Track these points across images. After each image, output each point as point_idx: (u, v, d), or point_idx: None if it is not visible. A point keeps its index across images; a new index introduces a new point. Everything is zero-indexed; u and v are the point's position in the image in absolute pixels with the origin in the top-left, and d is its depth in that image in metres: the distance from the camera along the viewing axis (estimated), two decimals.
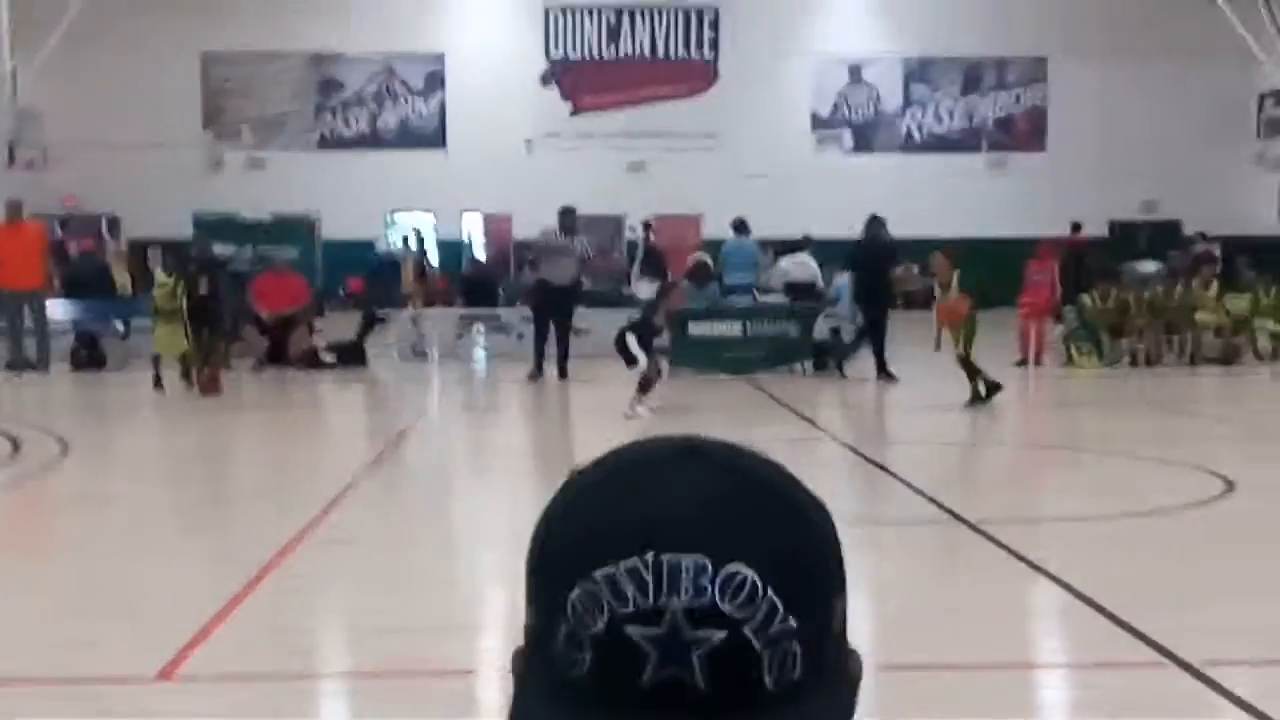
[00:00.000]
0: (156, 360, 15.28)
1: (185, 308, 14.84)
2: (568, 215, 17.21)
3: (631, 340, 12.67)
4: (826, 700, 0.97)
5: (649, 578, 0.93)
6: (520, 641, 1.00)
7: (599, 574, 0.93)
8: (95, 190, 33.17)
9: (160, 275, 16.21)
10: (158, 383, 15.13)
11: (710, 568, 0.93)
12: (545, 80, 35.22)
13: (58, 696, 5.08)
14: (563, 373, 16.27)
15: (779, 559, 0.95)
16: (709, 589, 0.92)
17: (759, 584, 0.93)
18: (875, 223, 16.80)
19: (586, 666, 0.93)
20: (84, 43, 32.70)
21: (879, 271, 16.19)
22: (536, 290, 17.19)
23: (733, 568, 0.93)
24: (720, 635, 0.92)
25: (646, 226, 24.97)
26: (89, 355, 18.03)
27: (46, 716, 4.83)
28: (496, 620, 6.25)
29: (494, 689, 5.33)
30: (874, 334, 16.18)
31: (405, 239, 23.88)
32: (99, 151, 32.93)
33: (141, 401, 15.00)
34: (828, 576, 0.98)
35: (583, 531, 0.96)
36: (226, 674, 5.31)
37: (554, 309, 16.52)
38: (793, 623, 0.94)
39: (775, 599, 0.93)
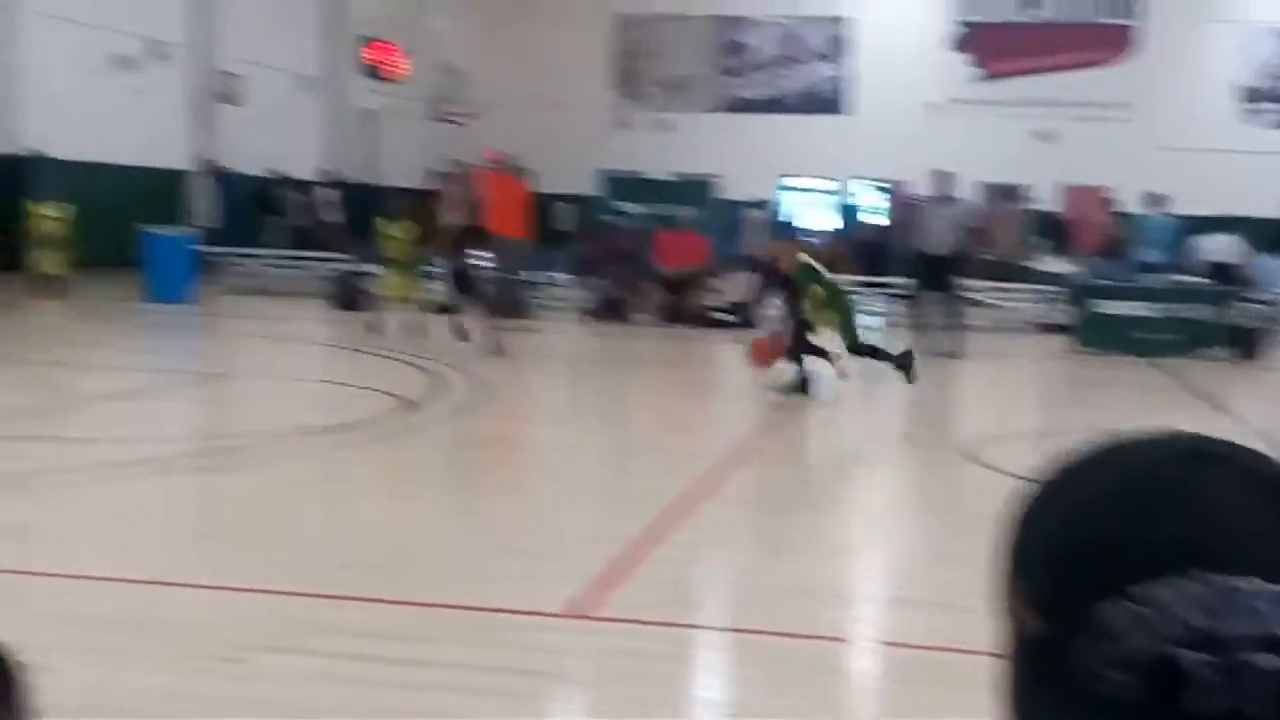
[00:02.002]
0: (379, 303, 15.81)
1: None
2: (943, 179, 16.58)
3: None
4: None
5: (1203, 599, 0.85)
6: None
7: (1136, 590, 0.87)
8: (510, 146, 34.68)
9: (388, 225, 16.60)
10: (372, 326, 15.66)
11: (1267, 590, 0.85)
12: (952, 44, 34.43)
13: (467, 624, 5.34)
14: (951, 351, 15.46)
15: None
16: (1269, 612, 0.85)
17: None
18: None
19: (1124, 688, 0.87)
20: (508, 6, 34.25)
21: None
22: (915, 259, 16.64)
23: None
24: None
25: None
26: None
27: (458, 643, 5.09)
28: (877, 588, 6.17)
29: (866, 657, 5.26)
30: None
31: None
32: (515, 109, 34.47)
33: (545, 348, 15.63)
34: None
35: (1105, 541, 0.90)
36: (626, 616, 5.45)
37: (932, 279, 15.95)
38: None
39: None
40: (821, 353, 12.13)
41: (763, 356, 12.44)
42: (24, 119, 23.99)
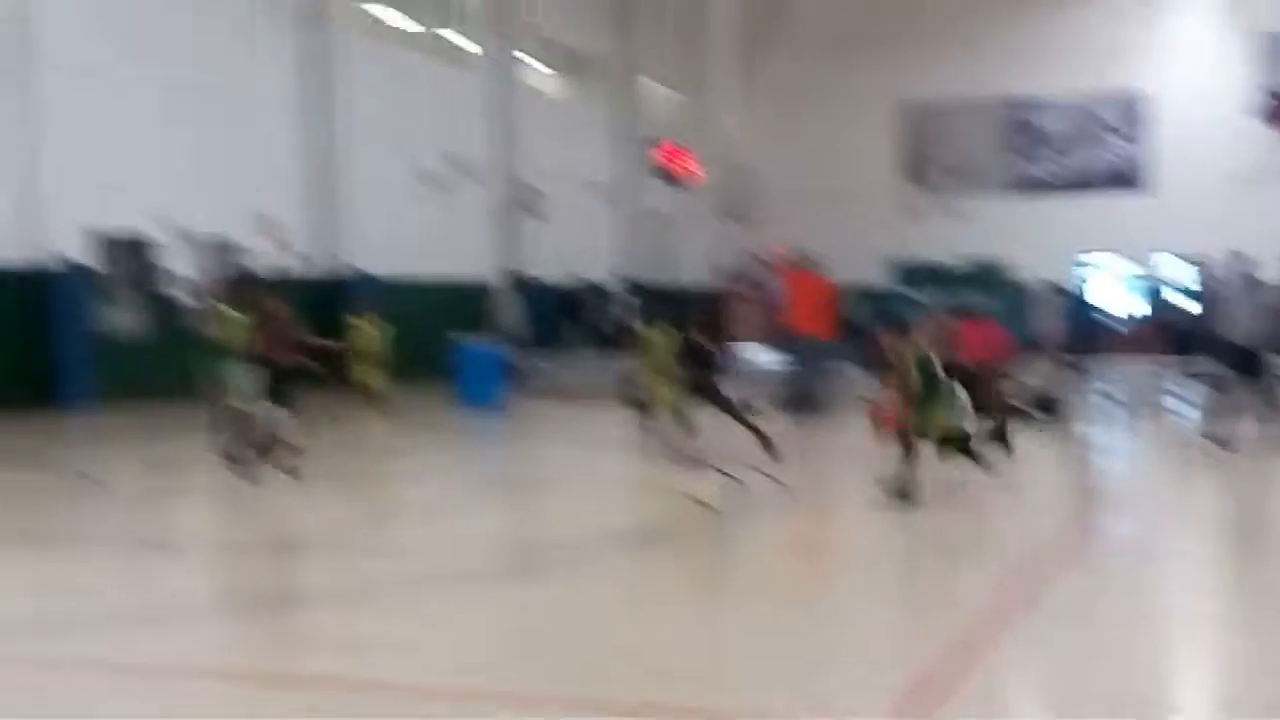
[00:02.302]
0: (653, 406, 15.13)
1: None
2: (1244, 261, 15.59)
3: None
4: None
5: None
6: None
7: None
8: (799, 240, 34.93)
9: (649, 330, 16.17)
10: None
11: None
12: (1259, 114, 33.10)
13: None
14: (1268, 440, 14.38)
15: None
16: None
17: None
18: None
19: None
20: (792, 101, 34.63)
21: None
22: (1218, 345, 15.54)
23: None
24: None
25: None
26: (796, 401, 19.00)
27: None
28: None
29: None
30: None
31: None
32: (804, 203, 34.70)
33: (843, 445, 15.56)
34: None
35: None
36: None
37: (1243, 366, 14.79)
38: None
39: None
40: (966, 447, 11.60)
41: (883, 421, 12.00)
42: (344, 239, 25.52)
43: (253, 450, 11.99)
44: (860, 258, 30.19)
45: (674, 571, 9.00)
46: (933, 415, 11.42)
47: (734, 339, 20.67)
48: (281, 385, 11.96)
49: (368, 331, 19.11)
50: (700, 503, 10.82)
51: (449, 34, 31.26)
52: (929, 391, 11.46)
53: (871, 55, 37.04)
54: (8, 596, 8.42)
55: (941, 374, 11.47)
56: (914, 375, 11.37)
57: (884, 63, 37.17)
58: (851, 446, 16.17)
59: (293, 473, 11.87)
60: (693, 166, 36.39)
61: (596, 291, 31.83)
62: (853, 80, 37.12)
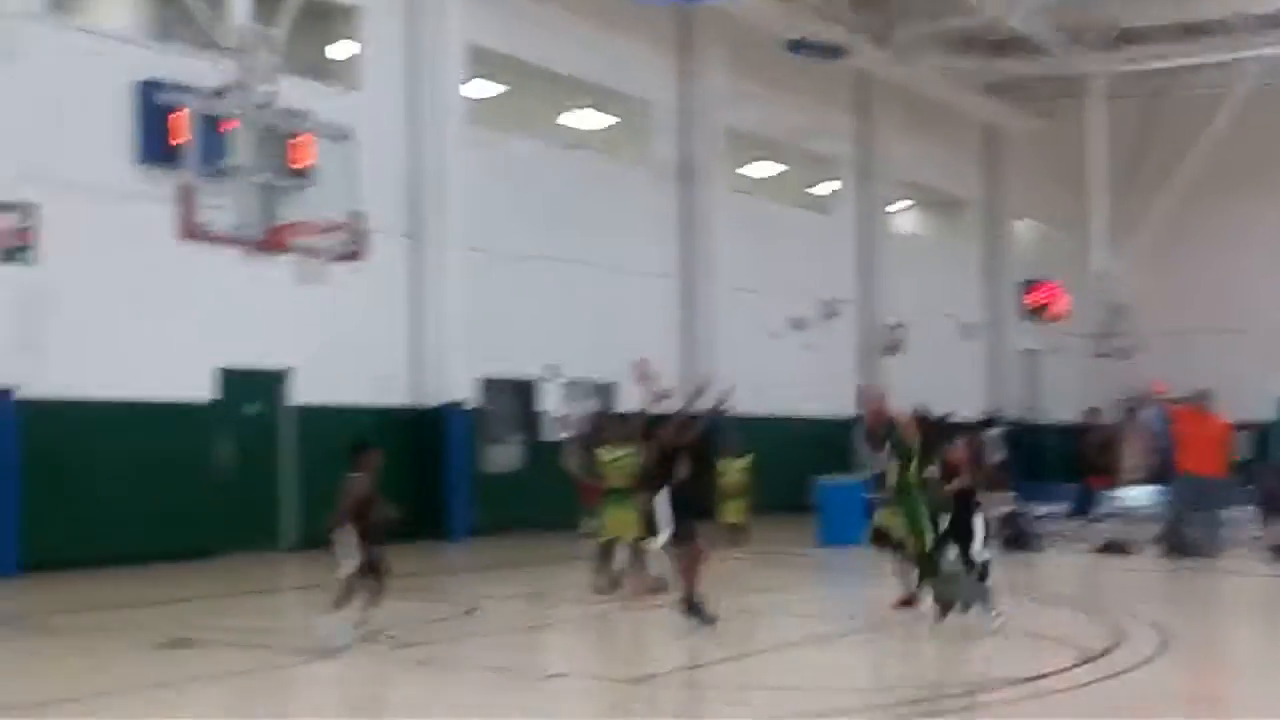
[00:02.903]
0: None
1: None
2: None
3: None
4: None
5: None
6: None
7: None
8: (1174, 376, 33.61)
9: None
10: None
11: None
12: None
13: None
14: None
15: None
16: None
17: None
18: None
19: None
20: (1172, 236, 33.56)
21: None
22: None
23: None
24: None
25: None
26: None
27: None
28: None
29: None
30: None
31: None
32: (1181, 338, 33.38)
33: (1228, 590, 14.73)
34: None
35: None
36: None
37: None
38: None
39: None
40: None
41: None
42: (714, 381, 26.16)
43: (626, 583, 12.26)
44: (1245, 392, 28.71)
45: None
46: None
47: (1114, 476, 20.02)
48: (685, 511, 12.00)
49: (734, 470, 19.49)
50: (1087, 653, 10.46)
51: (818, 186, 31.90)
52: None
53: (1255, 185, 35.57)
54: (393, 709, 8.97)
55: None
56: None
57: (1269, 192, 35.61)
58: (1239, 590, 15.30)
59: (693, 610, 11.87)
60: (1064, 303, 35.63)
61: (962, 428, 31.37)
62: (1235, 211, 35.69)
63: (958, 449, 12.01)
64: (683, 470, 11.88)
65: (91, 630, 12.11)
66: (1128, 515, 19.89)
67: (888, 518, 12.59)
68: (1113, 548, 18.60)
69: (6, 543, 15.78)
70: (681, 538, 11.80)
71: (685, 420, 12.30)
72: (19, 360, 16.08)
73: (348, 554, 10.63)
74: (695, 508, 12.04)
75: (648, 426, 13.06)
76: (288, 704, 9.35)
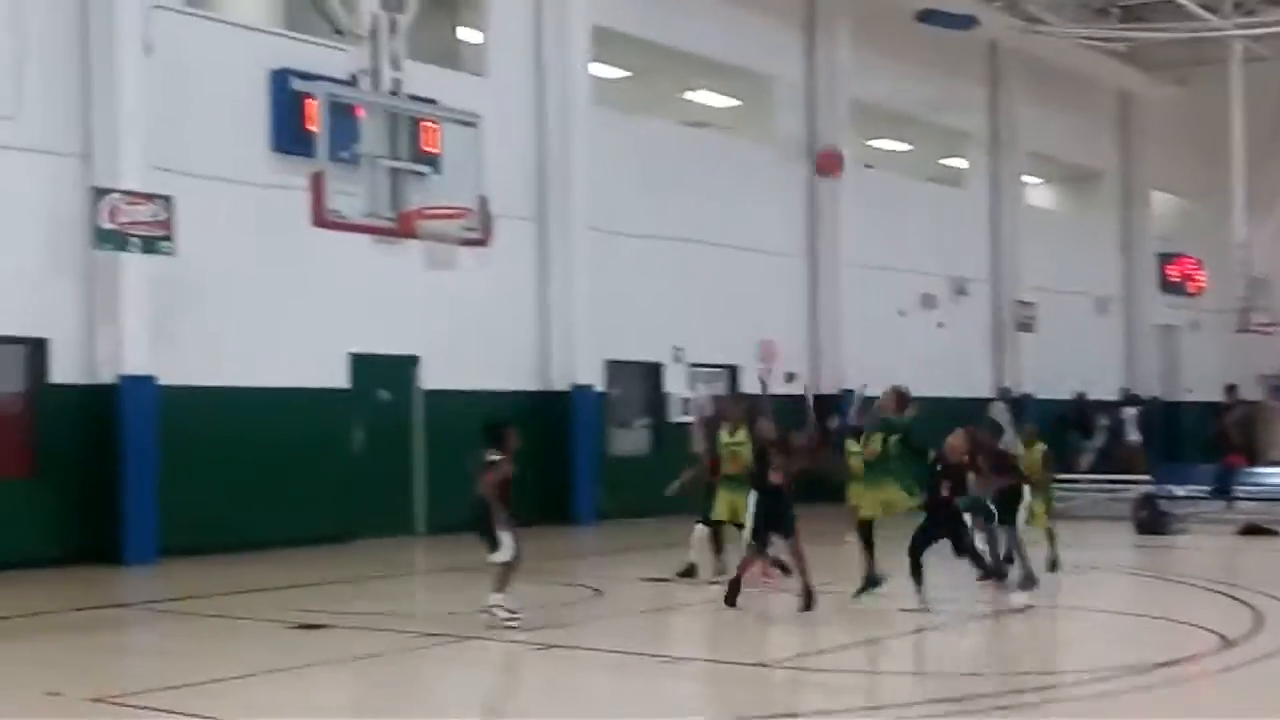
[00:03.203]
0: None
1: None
2: None
3: None
4: None
5: None
6: None
7: None
8: None
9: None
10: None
11: None
12: None
13: None
14: None
15: None
16: None
17: None
18: None
19: None
20: None
21: None
22: None
23: None
24: None
25: None
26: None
27: None
28: None
29: None
30: None
31: None
32: None
33: None
34: None
35: None
36: None
37: None
38: None
39: None
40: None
41: None
42: (842, 362, 25.96)
43: (740, 571, 12.19)
44: None
45: (1197, 707, 8.50)
46: None
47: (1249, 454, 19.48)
48: (778, 510, 12.03)
49: (854, 453, 19.25)
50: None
51: (949, 159, 31.43)
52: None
53: None
54: (525, 706, 9.05)
55: None
56: None
57: None
58: None
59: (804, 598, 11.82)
60: (1202, 278, 34.72)
61: (1098, 407, 30.76)
62: None
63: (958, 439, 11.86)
64: (775, 475, 11.82)
65: (227, 614, 12.38)
66: (1270, 496, 19.35)
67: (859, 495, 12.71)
68: (1254, 530, 18.10)
69: (146, 529, 16.19)
70: (771, 537, 11.94)
71: (792, 446, 12.33)
72: (157, 349, 16.47)
73: (504, 536, 10.74)
74: (783, 514, 11.88)
75: (749, 413, 13.17)
76: (416, 687, 9.48)
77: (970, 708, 8.13)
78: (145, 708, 8.33)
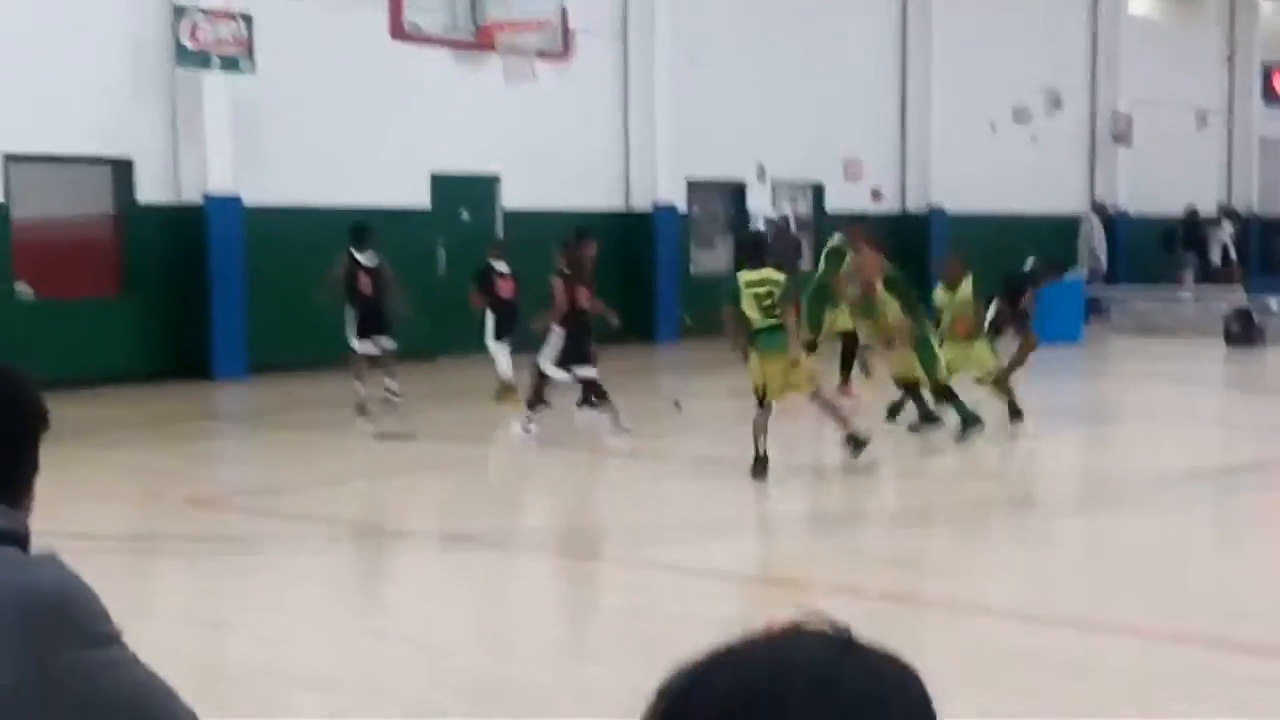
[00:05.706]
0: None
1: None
2: None
3: None
4: None
5: None
6: None
7: None
8: None
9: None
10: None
11: None
12: None
13: None
14: None
15: None
16: None
17: None
18: None
19: None
20: None
21: None
22: None
23: None
24: None
25: None
26: None
27: None
28: None
29: None
30: None
31: None
32: None
33: None
34: None
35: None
36: None
37: None
38: None
39: None
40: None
41: None
42: (933, 178, 25.53)
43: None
44: None
45: (1261, 510, 8.45)
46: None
47: None
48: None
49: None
50: None
51: None
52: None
53: None
54: (610, 508, 9.20)
55: None
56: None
57: None
58: None
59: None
60: None
61: (1199, 223, 30.08)
62: None
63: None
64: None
65: (319, 426, 12.64)
66: None
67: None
68: None
69: (235, 345, 16.45)
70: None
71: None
72: (241, 169, 16.55)
73: (550, 352, 10.89)
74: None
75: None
76: (506, 488, 9.70)
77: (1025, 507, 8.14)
78: (241, 509, 8.57)
